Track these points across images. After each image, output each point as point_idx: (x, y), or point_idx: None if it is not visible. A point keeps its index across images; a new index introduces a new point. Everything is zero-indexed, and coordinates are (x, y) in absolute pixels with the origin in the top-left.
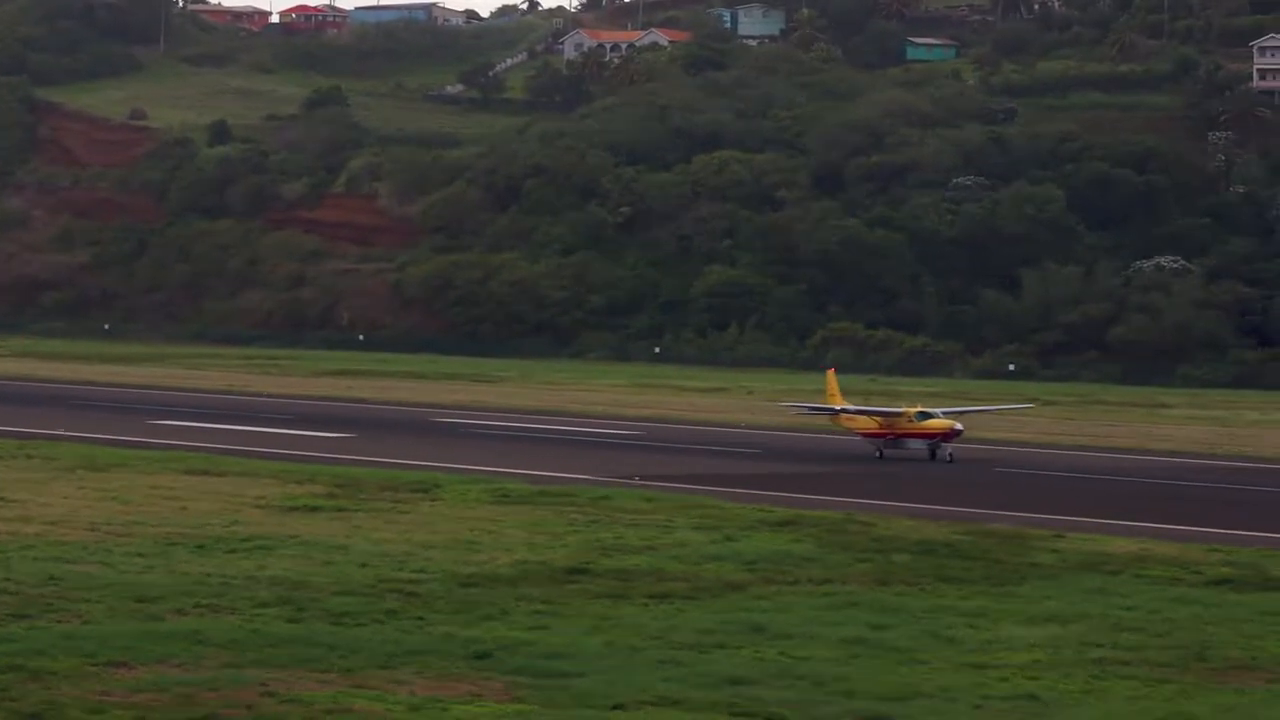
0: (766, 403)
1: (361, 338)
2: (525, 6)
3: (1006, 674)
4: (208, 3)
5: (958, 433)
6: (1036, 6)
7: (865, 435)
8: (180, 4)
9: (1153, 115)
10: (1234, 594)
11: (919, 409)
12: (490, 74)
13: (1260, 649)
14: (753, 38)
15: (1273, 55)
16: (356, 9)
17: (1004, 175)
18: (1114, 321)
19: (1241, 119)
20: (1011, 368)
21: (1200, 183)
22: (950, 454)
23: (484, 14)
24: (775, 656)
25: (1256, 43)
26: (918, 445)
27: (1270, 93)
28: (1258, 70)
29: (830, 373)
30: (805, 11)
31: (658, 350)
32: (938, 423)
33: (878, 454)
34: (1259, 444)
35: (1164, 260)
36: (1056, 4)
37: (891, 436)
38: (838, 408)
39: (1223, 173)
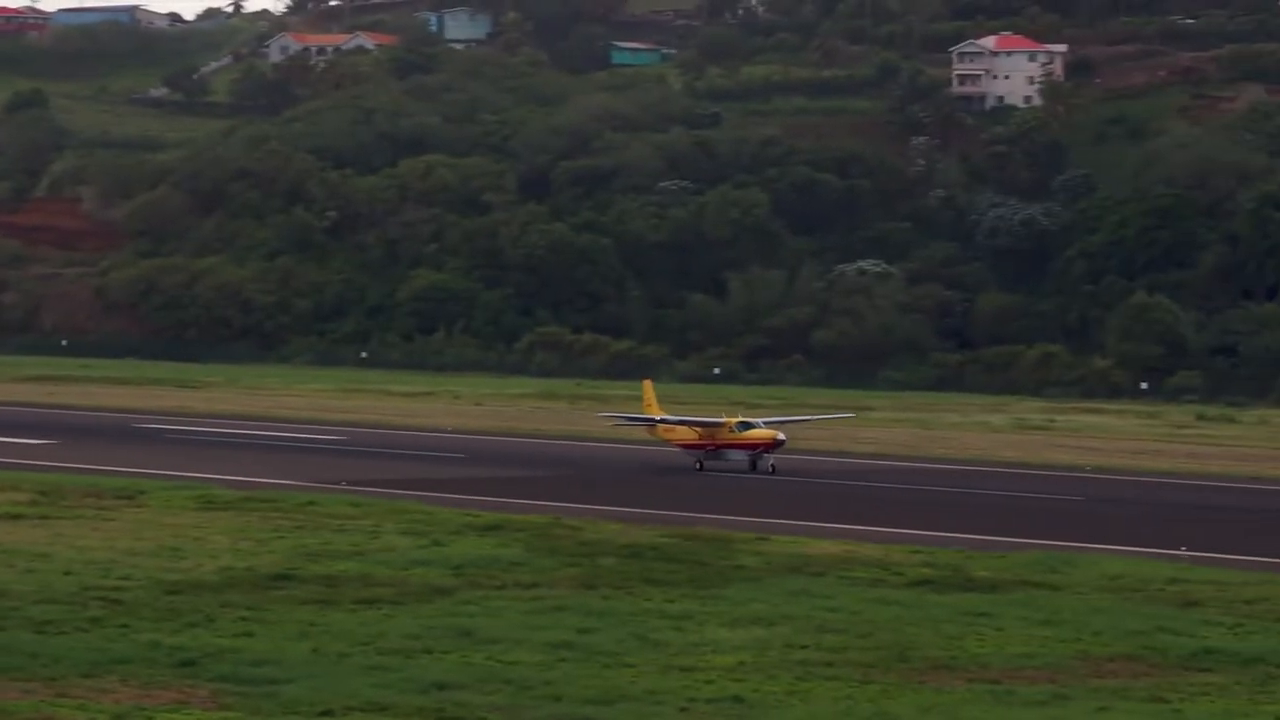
0: (473, 406)
1: (64, 343)
2: (230, 10)
3: (712, 676)
4: None
5: (780, 443)
6: (741, 11)
7: (684, 446)
8: None
9: (856, 120)
10: (934, 595)
11: (740, 419)
12: (195, 77)
13: (960, 649)
14: (459, 41)
15: (972, 61)
16: (59, 11)
17: (710, 179)
18: (818, 325)
19: (942, 124)
20: (717, 371)
21: (902, 187)
22: (772, 465)
23: (189, 17)
24: (482, 661)
25: (956, 48)
26: (738, 456)
27: (969, 98)
28: (957, 76)
29: (647, 383)
30: (511, 15)
31: (364, 355)
32: (759, 433)
33: (697, 465)
34: (958, 446)
35: (866, 264)
36: (761, 9)
37: (711, 447)
38: (656, 418)
39: (924, 177)
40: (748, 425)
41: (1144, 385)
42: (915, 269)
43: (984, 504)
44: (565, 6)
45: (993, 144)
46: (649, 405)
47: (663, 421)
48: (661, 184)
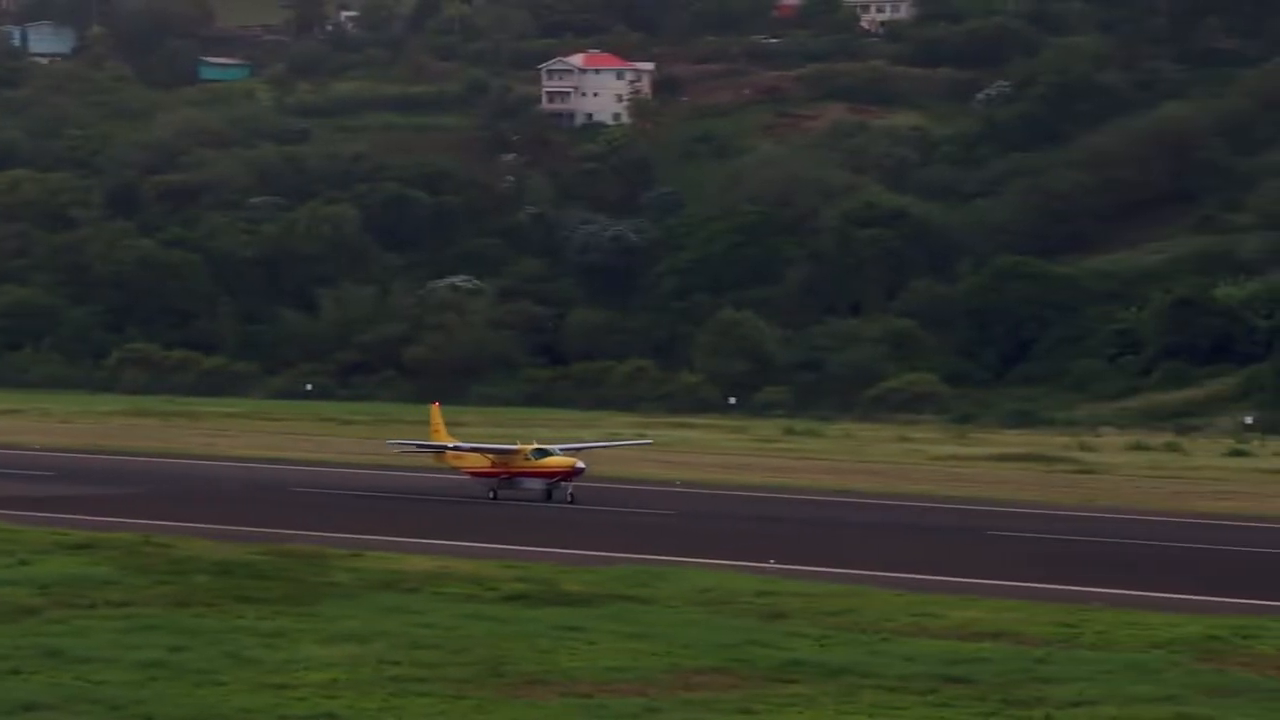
0: (61, 424)
1: None
2: None
3: (305, 694)
4: None
5: (579, 470)
6: (330, 27)
7: (476, 475)
8: None
9: (446, 137)
10: (527, 609)
11: (535, 445)
12: None
13: (553, 663)
14: (44, 55)
15: (561, 78)
16: None
17: (300, 195)
18: (409, 341)
19: (532, 141)
20: (309, 387)
21: (492, 203)
22: (571, 494)
23: None
24: (71, 681)
25: (545, 66)
26: (534, 485)
27: (559, 115)
28: (547, 93)
29: (435, 407)
30: (96, 29)
31: None
32: (556, 460)
33: (490, 495)
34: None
35: (458, 280)
36: (350, 25)
37: (505, 475)
38: (447, 445)
39: (514, 193)
40: (544, 452)
41: (732, 400)
42: (507, 285)
43: (576, 519)
44: (152, 21)
45: (582, 161)
46: (436, 431)
47: (455, 449)
48: (252, 200)
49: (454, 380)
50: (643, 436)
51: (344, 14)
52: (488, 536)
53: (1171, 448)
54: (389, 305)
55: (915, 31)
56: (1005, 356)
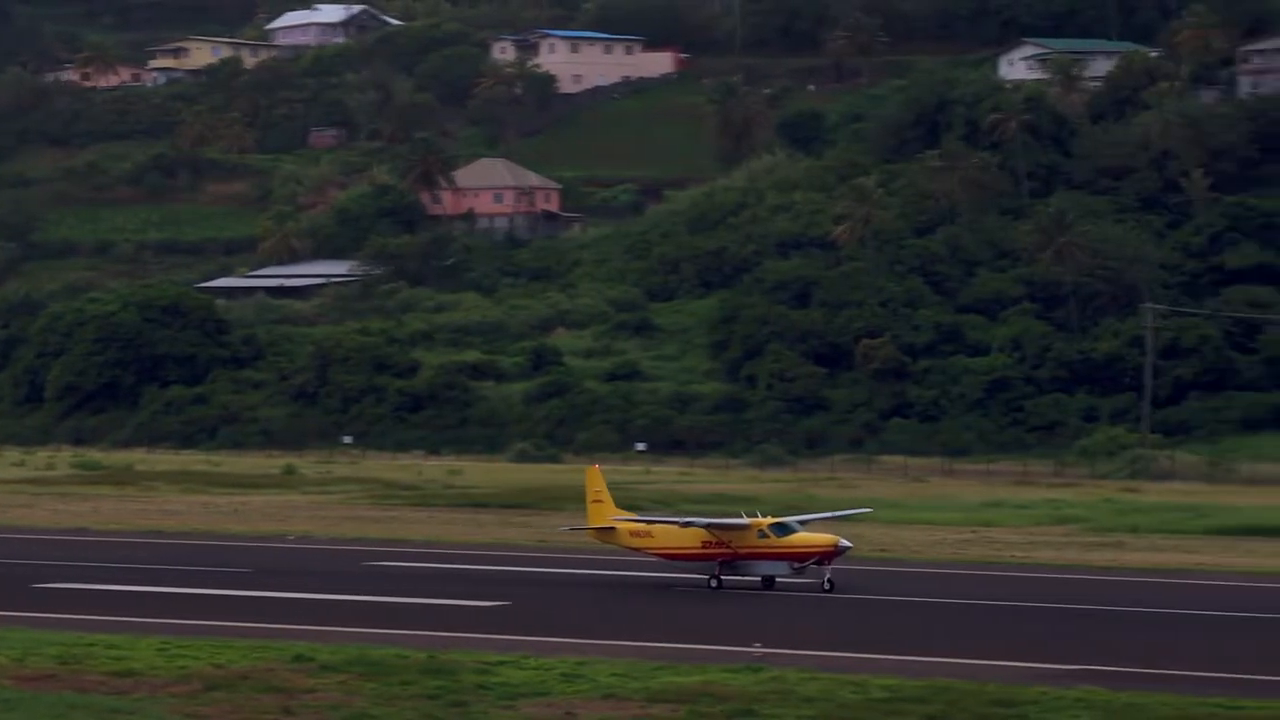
0: None
1: None
2: None
3: None
4: None
5: (842, 550)
6: None
7: (675, 557)
8: None
9: None
10: None
11: (774, 519)
12: None
13: None
14: None
15: None
16: None
17: None
18: None
19: None
20: None
21: None
22: (830, 580)
23: None
24: None
25: None
26: (774, 570)
27: None
28: None
29: (593, 470)
30: None
31: None
32: (807, 538)
33: (713, 584)
34: None
35: None
36: None
37: (728, 557)
38: (619, 520)
39: None
40: (785, 529)
41: None
42: None
43: None
44: None
45: None
46: (598, 501)
47: (633, 524)
48: None
49: None
50: None
51: None
52: None
53: None
54: None
55: None
56: None
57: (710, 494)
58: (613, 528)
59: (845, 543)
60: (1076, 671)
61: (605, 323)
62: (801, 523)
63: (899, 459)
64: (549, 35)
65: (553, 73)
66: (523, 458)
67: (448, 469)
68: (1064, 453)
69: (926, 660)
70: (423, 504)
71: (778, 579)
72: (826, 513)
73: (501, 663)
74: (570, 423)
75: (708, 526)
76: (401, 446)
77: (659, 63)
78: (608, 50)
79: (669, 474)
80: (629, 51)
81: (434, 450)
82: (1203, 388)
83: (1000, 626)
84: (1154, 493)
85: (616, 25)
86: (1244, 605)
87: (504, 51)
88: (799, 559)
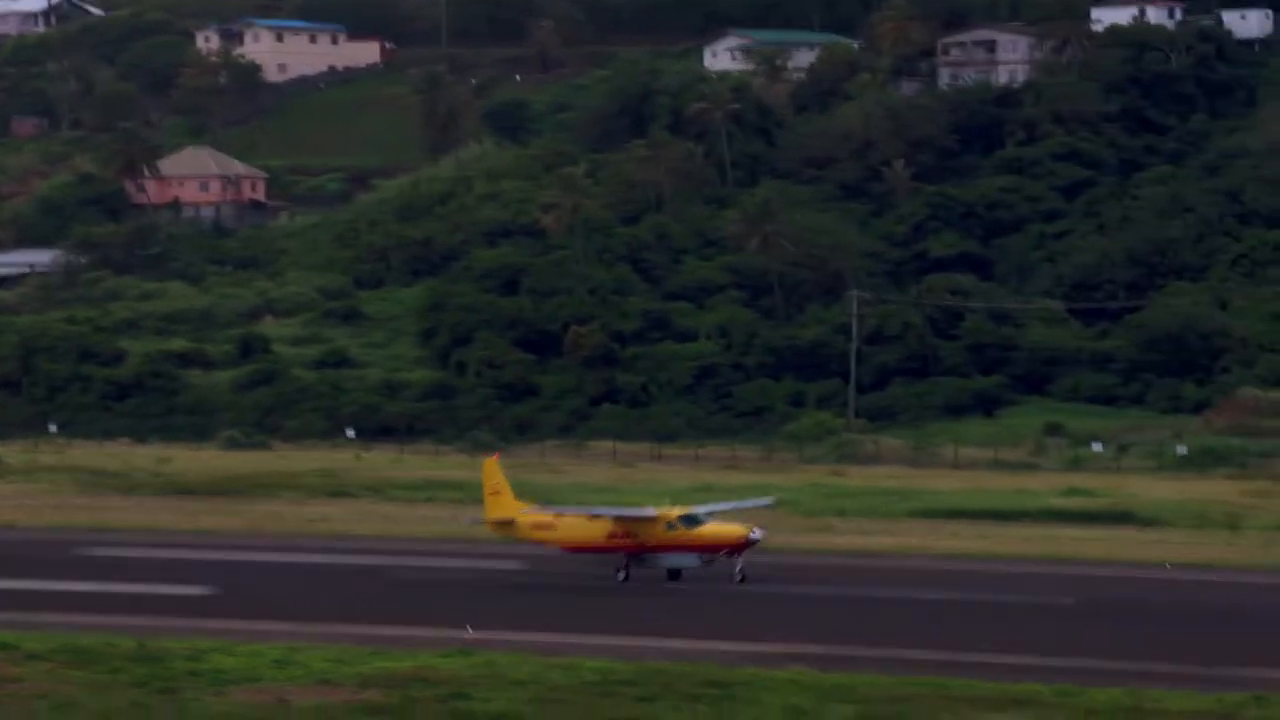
0: None
1: None
2: None
3: None
4: None
5: (753, 541)
6: None
7: (578, 550)
8: None
9: None
10: None
11: (681, 510)
12: None
13: None
14: None
15: None
16: None
17: None
18: None
19: None
20: None
21: None
22: (741, 573)
23: None
24: None
25: None
26: (685, 562)
27: None
28: None
29: (490, 462)
30: None
31: None
32: (717, 530)
33: (621, 576)
34: None
35: None
36: None
37: (633, 549)
38: (524, 512)
39: None
40: (694, 520)
41: None
42: None
43: None
44: None
45: None
46: (496, 494)
47: (535, 516)
48: None
49: None
50: None
51: None
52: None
53: None
54: None
55: None
56: None
57: (422, 480)
58: (512, 520)
59: (757, 534)
60: (787, 654)
61: (314, 310)
62: (709, 514)
63: (609, 444)
64: (254, 24)
65: (258, 62)
66: (231, 445)
67: (156, 457)
68: (772, 438)
69: (638, 644)
70: (131, 492)
71: (684, 571)
72: (725, 503)
73: (212, 649)
74: (279, 410)
75: (615, 518)
76: (108, 435)
77: (365, 53)
78: (313, 40)
79: (380, 461)
80: (335, 41)
81: (141, 439)
82: (906, 374)
83: (713, 610)
84: (860, 477)
85: (322, 15)
86: (951, 586)
87: (208, 41)
88: (709, 551)
